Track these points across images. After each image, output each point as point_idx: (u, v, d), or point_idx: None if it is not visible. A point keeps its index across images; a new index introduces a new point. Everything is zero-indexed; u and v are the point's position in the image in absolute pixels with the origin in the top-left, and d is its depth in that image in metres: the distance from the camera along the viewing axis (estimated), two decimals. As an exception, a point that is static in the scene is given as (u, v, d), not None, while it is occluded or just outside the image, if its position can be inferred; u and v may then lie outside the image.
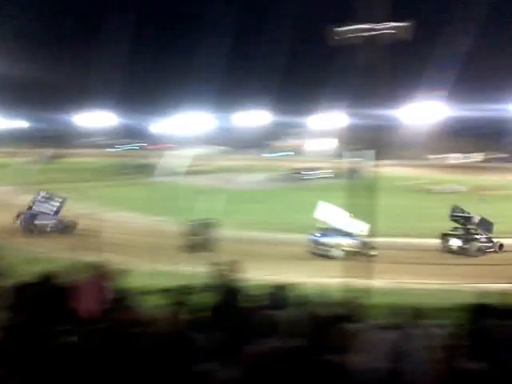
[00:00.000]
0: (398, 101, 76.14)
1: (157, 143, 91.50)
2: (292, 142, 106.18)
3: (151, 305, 6.32)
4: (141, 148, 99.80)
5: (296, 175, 61.33)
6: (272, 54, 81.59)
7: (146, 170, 58.79)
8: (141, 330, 4.89)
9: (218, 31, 74.74)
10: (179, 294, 6.44)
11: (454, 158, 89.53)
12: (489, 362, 4.35)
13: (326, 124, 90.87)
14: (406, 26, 11.31)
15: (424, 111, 78.82)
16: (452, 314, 9.78)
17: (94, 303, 6.34)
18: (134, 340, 4.77)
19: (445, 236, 23.06)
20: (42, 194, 28.42)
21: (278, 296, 11.32)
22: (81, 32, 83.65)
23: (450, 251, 22.23)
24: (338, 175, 56.74)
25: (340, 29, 11.67)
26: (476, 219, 23.49)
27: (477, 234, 22.74)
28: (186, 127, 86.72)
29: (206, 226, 15.02)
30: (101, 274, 7.21)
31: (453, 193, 44.92)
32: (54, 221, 27.38)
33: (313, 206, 30.53)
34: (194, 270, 14.00)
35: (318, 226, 22.98)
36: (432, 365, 3.95)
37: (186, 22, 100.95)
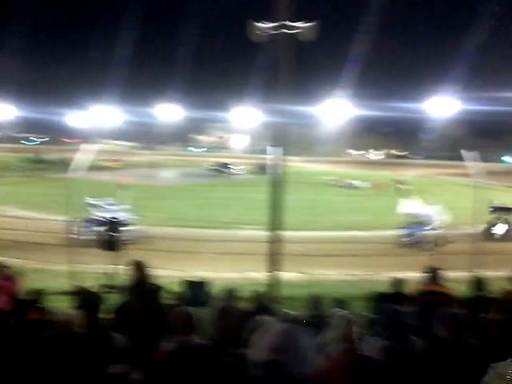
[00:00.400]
0: (316, 99, 78.27)
1: (68, 137, 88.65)
2: (212, 137, 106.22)
3: (59, 306, 6.18)
4: (50, 142, 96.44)
5: (217, 170, 61.22)
6: (193, 49, 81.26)
7: (53, 165, 57.00)
8: (51, 332, 4.76)
9: (132, 23, 73.40)
10: (85, 295, 6.32)
11: (360, 154, 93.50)
12: (391, 349, 4.63)
13: (248, 120, 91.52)
14: (310, 26, 11.54)
15: (337, 109, 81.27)
16: (362, 303, 10.27)
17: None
18: (43, 342, 4.64)
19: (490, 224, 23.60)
20: None
21: (196, 292, 11.40)
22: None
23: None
24: (257, 171, 57.52)
25: (259, 25, 11.73)
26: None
27: None
28: (100, 121, 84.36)
29: (120, 223, 14.69)
30: (5, 275, 6.94)
31: (358, 187, 48.32)
32: None
33: (233, 201, 30.81)
34: (106, 269, 13.76)
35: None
36: (327, 355, 4.15)
37: (96, 14, 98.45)
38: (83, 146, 14.41)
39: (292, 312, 6.80)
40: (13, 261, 14.14)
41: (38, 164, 61.15)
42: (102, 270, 13.97)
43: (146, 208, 27.21)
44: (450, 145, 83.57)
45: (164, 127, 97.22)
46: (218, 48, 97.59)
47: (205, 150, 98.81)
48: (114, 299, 6.83)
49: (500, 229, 22.76)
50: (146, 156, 76.53)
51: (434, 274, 6.80)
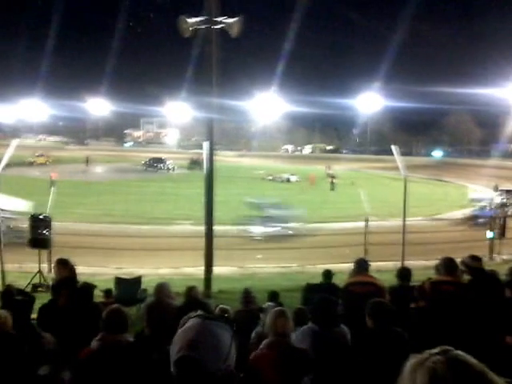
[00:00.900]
0: (250, 94, 78.73)
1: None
2: (146, 132, 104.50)
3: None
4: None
5: (151, 166, 60.07)
6: (128, 45, 79.49)
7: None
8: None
9: (63, 15, 71.04)
10: (16, 295, 6.10)
11: (291, 149, 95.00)
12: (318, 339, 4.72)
13: (182, 115, 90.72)
14: (235, 21, 11.57)
15: (270, 105, 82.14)
16: (295, 294, 10.43)
17: None
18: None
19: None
20: None
21: (130, 289, 11.24)
22: None
23: None
24: (192, 166, 57.07)
25: (187, 20, 11.64)
26: None
27: None
28: (28, 116, 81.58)
29: (43, 220, 14.21)
30: None
31: (292, 181, 49.14)
32: None
33: (167, 197, 30.46)
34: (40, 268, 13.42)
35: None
36: (256, 349, 4.18)
37: (21, 4, 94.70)
38: (13, 142, 13.87)
39: (225, 306, 6.80)
40: None
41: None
42: (35, 269, 13.60)
43: (77, 204, 26.56)
44: (379, 140, 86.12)
45: (96, 122, 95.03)
46: (154, 43, 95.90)
47: (138, 145, 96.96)
48: (46, 298, 6.64)
49: None
50: (76, 151, 74.49)
51: (362, 264, 6.97)
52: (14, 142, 13.99)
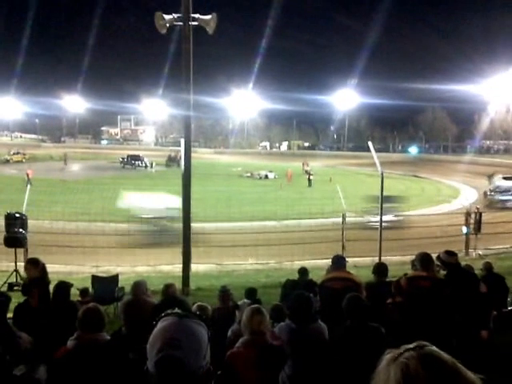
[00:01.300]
0: (228, 92, 78.71)
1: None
2: (123, 129, 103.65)
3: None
4: None
5: (127, 163, 59.68)
6: (105, 41, 78.63)
7: None
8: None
9: (36, 11, 70.02)
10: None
11: (272, 146, 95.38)
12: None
13: (159, 112, 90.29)
14: (209, 18, 11.55)
15: (247, 102, 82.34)
16: (273, 291, 10.44)
17: None
18: None
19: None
20: None
21: (107, 288, 11.14)
22: None
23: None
24: (169, 163, 56.85)
25: (163, 16, 11.58)
26: None
27: None
28: (1, 114, 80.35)
29: (18, 218, 14.00)
30: None
31: (269, 178, 49.57)
32: None
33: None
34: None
35: None
36: (233, 347, 4.18)
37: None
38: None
39: (204, 304, 6.78)
40: None
41: None
42: (11, 268, 13.43)
43: (54, 203, 26.18)
44: (356, 137, 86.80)
45: (72, 119, 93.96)
46: (130, 40, 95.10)
47: (115, 142, 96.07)
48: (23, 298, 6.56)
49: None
50: (52, 149, 73.52)
51: (339, 260, 7.01)
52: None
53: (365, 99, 77.74)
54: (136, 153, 63.88)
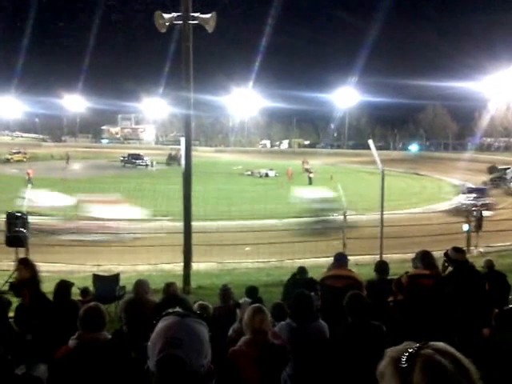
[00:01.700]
0: (227, 90, 78.64)
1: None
2: (123, 128, 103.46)
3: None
4: None
5: (128, 162, 59.38)
6: (107, 41, 78.53)
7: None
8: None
9: (37, 11, 69.98)
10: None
11: (273, 144, 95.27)
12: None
13: (160, 111, 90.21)
14: (209, 17, 11.52)
15: (247, 100, 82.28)
16: (274, 289, 10.44)
17: None
18: None
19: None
20: None
21: (108, 287, 11.14)
22: None
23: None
24: (170, 162, 56.76)
25: (163, 15, 11.56)
26: None
27: None
28: (2, 113, 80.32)
29: (19, 218, 13.94)
30: None
31: (270, 177, 49.31)
32: None
33: (145, 193, 30.07)
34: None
35: None
36: (234, 346, 4.17)
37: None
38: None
39: (205, 303, 6.78)
40: None
41: None
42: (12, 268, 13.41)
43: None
44: (356, 134, 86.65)
45: (72, 118, 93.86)
46: (130, 39, 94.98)
47: (116, 141, 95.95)
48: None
49: None
50: (53, 148, 73.40)
51: (341, 258, 7.00)
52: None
53: (365, 97, 77.66)
54: (137, 152, 63.74)
